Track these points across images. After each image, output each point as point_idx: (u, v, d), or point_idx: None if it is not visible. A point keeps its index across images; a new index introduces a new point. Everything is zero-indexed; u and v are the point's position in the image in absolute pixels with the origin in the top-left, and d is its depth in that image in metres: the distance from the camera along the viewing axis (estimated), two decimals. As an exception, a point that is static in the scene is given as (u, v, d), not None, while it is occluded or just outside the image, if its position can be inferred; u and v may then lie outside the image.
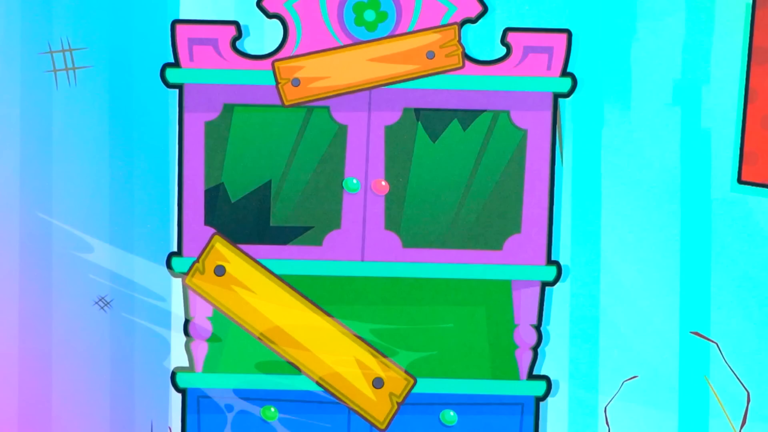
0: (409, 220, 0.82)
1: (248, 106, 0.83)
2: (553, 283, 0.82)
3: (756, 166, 0.82)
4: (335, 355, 0.83)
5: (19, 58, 0.83)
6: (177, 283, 0.84)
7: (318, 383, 0.83)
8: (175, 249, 0.83)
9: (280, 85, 0.82)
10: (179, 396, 0.84)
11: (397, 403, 0.83)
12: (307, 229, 0.83)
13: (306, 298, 0.83)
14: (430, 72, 0.82)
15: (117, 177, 0.83)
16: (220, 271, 0.83)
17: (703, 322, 0.83)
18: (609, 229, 0.82)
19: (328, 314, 0.83)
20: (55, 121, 0.83)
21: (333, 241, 0.83)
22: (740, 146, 0.83)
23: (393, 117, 0.83)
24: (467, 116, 0.82)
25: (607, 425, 0.83)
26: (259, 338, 0.83)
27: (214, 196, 0.83)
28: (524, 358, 0.83)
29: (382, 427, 0.83)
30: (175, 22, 0.82)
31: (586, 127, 0.83)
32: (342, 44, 0.83)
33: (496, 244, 0.82)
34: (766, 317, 0.82)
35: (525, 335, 0.83)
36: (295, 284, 0.83)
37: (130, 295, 0.83)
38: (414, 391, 0.83)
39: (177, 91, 0.83)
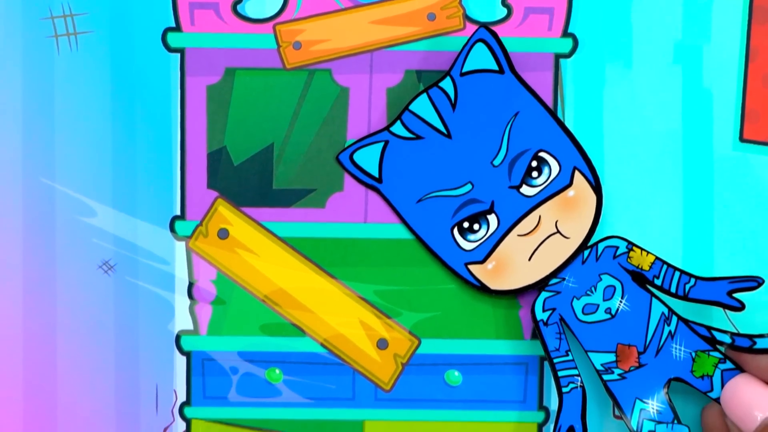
0: (412, 180, 0.83)
1: (250, 69, 0.83)
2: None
3: (757, 124, 0.83)
4: (339, 316, 0.83)
5: (21, 24, 0.83)
6: (181, 247, 0.84)
7: (322, 345, 0.83)
8: (178, 212, 0.83)
9: (281, 49, 0.83)
10: (184, 359, 0.84)
11: (402, 364, 0.83)
12: (309, 191, 0.83)
13: (309, 260, 0.83)
14: (431, 34, 0.83)
15: (119, 141, 0.83)
16: (223, 234, 0.83)
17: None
18: (611, 189, 0.82)
19: (332, 276, 0.83)
20: (57, 87, 0.83)
21: (336, 203, 0.83)
22: (741, 105, 0.83)
23: (395, 79, 0.83)
24: (469, 77, 0.82)
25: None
26: (263, 300, 0.83)
27: (216, 160, 0.83)
28: (528, 318, 0.83)
29: (387, 388, 0.83)
30: (176, -15, 0.82)
31: (587, 88, 0.83)
32: (343, 7, 0.83)
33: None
34: (769, 274, 0.82)
35: (528, 295, 0.83)
36: (299, 246, 0.83)
37: (133, 258, 0.83)
38: (418, 351, 0.83)
39: (178, 55, 0.83)
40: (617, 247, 0.80)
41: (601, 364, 0.79)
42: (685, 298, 0.79)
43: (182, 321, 0.84)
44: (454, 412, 0.83)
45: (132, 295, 0.83)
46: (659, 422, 0.78)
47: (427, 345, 0.83)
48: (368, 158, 0.81)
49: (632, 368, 0.79)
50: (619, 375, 0.79)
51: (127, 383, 0.83)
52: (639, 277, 0.80)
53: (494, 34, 0.80)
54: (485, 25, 0.80)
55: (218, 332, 0.83)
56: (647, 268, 0.79)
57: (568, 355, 0.80)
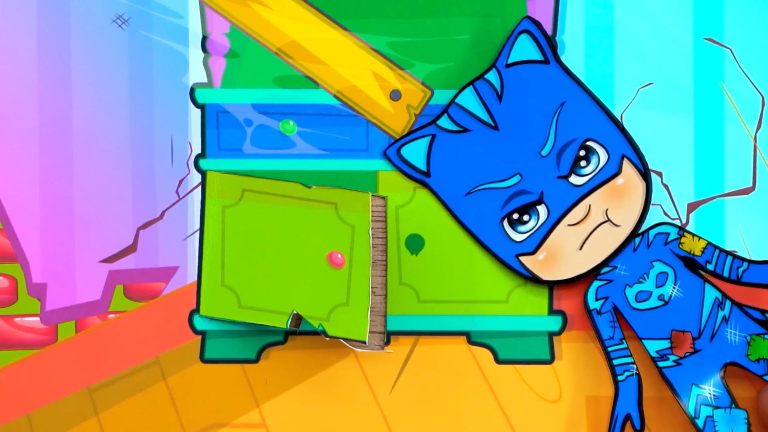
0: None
1: None
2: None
3: None
4: (352, 68, 0.84)
5: None
6: (194, 0, 0.84)
7: (336, 96, 0.84)
8: (191, -31, 0.84)
9: None
10: (198, 112, 0.84)
11: (415, 114, 0.84)
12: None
13: (322, 12, 0.84)
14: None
15: None
16: (236, -11, 0.83)
17: (717, 28, 0.84)
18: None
19: (345, 28, 0.84)
20: None
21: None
22: None
23: None
24: None
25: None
26: (276, 53, 0.84)
27: None
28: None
29: (400, 137, 0.84)
30: None
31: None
32: None
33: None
34: (778, 22, 0.83)
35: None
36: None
37: (147, 12, 0.84)
38: (431, 102, 0.83)
39: None
40: (668, 234, 0.80)
41: (656, 351, 0.79)
42: (738, 282, 0.79)
43: (196, 74, 0.84)
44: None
45: (146, 49, 0.84)
46: (716, 407, 0.78)
47: (439, 95, 0.83)
48: (416, 153, 0.82)
49: (687, 354, 0.79)
50: (674, 361, 0.79)
51: (142, 137, 0.83)
52: (691, 263, 0.80)
53: (538, 25, 0.80)
54: (530, 16, 0.81)
55: (232, 85, 0.84)
56: (699, 254, 0.80)
57: (622, 343, 0.80)
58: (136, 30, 0.84)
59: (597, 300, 0.81)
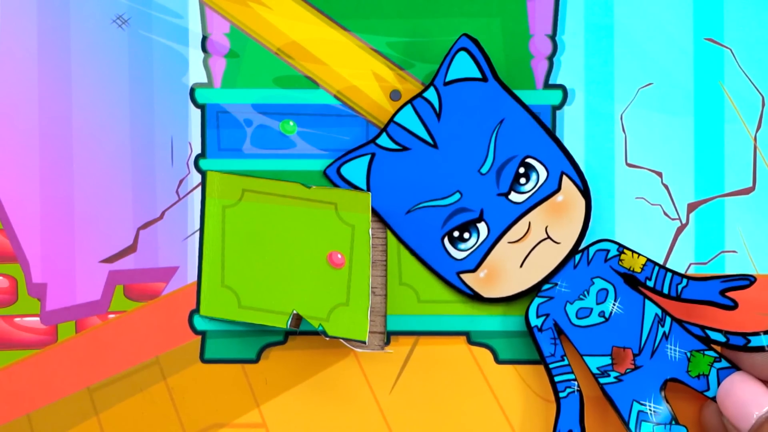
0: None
1: None
2: (566, -6, 0.83)
3: None
4: (352, 68, 0.84)
5: None
6: (194, 0, 0.84)
7: (335, 96, 0.84)
8: (191, -31, 0.84)
9: None
10: (198, 112, 0.84)
11: (415, 114, 0.84)
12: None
13: (322, 12, 0.84)
14: None
15: None
16: (236, -11, 0.84)
17: (717, 28, 0.84)
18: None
19: (345, 28, 0.84)
20: None
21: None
22: None
23: None
24: None
25: (624, 132, 0.83)
26: (276, 53, 0.84)
27: None
28: (540, 68, 0.84)
29: (401, 138, 0.84)
30: None
31: None
32: None
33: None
34: (778, 22, 0.83)
35: (540, 45, 0.83)
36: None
37: (147, 12, 0.84)
38: (431, 102, 0.83)
39: None
40: (608, 251, 0.80)
41: (597, 368, 0.80)
42: (677, 298, 0.79)
43: (196, 74, 0.84)
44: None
45: (146, 49, 0.84)
46: (657, 423, 0.79)
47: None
48: (355, 171, 0.82)
49: (628, 370, 0.79)
50: (615, 378, 0.79)
51: (142, 137, 0.83)
52: (631, 280, 0.80)
53: (476, 42, 0.80)
54: (467, 34, 0.81)
55: (232, 85, 0.84)
56: (639, 270, 0.80)
57: (563, 360, 0.80)
58: (136, 30, 0.84)
59: (538, 317, 0.81)
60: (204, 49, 0.84)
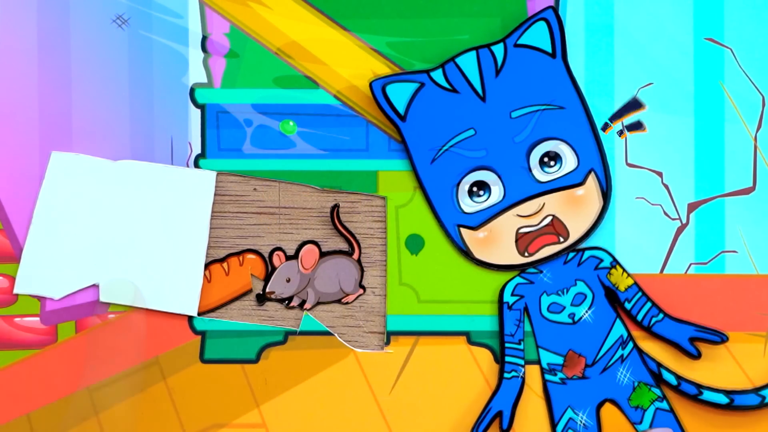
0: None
1: None
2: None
3: None
4: (352, 68, 0.84)
5: None
6: (194, 0, 0.84)
7: (336, 96, 0.84)
8: (191, -31, 0.84)
9: None
10: (198, 112, 0.84)
11: (415, 114, 0.84)
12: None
13: (322, 12, 0.84)
14: None
15: None
16: (236, -11, 0.84)
17: (717, 28, 0.84)
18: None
19: (345, 28, 0.84)
20: None
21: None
22: None
23: None
24: None
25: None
26: (276, 53, 0.84)
27: None
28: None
29: (400, 139, 0.83)
30: None
31: None
32: None
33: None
34: (779, 22, 0.83)
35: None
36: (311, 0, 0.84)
37: (147, 12, 0.84)
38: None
39: None
40: (601, 260, 0.81)
41: (548, 363, 0.80)
42: (647, 330, 0.80)
43: (196, 74, 0.84)
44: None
45: (146, 49, 0.84)
46: None
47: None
48: (399, 94, 0.81)
49: (575, 377, 0.80)
50: (560, 379, 0.80)
51: (141, 137, 0.83)
52: (611, 295, 0.80)
53: (559, 19, 0.80)
54: (553, 7, 0.81)
55: (232, 85, 0.84)
56: (623, 290, 0.80)
57: (520, 344, 0.81)
58: (136, 30, 0.84)
59: (512, 295, 0.81)
60: (204, 49, 0.84)
